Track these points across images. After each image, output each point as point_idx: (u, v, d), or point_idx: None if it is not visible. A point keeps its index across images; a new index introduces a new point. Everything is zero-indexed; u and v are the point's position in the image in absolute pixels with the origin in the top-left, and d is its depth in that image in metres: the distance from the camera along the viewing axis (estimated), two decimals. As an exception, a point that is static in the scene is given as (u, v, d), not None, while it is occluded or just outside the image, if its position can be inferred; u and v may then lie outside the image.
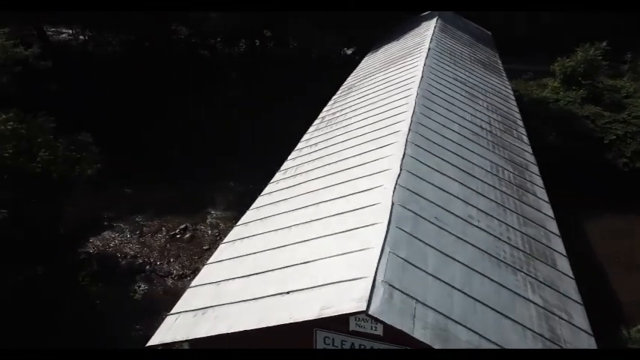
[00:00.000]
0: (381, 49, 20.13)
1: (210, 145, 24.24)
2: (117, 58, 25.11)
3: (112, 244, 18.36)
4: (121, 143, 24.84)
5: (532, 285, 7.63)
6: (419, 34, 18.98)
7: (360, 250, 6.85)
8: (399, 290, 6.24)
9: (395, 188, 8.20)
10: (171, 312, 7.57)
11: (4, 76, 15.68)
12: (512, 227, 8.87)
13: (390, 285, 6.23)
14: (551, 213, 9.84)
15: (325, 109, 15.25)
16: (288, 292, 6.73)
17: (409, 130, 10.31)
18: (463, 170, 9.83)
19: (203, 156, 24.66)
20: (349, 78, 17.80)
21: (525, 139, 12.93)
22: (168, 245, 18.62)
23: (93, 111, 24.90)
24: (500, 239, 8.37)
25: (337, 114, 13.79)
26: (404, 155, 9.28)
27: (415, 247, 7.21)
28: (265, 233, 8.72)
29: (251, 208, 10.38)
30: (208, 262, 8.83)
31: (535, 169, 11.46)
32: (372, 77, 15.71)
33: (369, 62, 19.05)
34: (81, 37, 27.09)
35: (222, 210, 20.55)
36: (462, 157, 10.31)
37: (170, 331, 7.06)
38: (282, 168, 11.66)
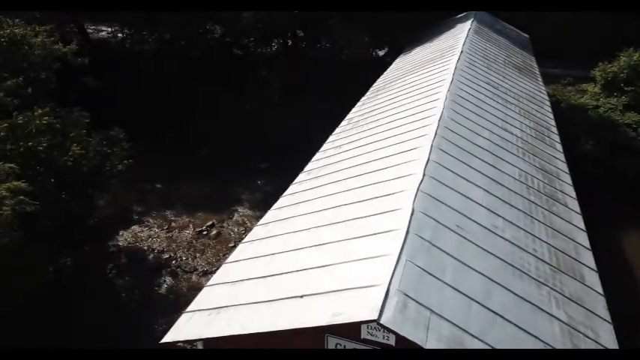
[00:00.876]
0: (413, 52, 19.83)
1: (241, 144, 24.48)
2: (153, 55, 25.62)
3: (140, 238, 18.72)
4: (154, 139, 25.41)
5: (557, 300, 7.31)
6: (452, 36, 18.59)
7: (376, 257, 6.71)
8: (414, 300, 6.07)
9: (416, 194, 8.00)
10: (187, 310, 7.62)
11: (44, 71, 16.22)
12: (539, 238, 8.53)
13: (404, 294, 6.07)
14: (582, 225, 9.41)
15: (353, 110, 15.12)
16: (301, 296, 6.65)
17: (435, 134, 10.07)
18: (490, 178, 9.53)
19: (233, 154, 24.94)
20: (379, 80, 17.60)
21: (558, 146, 12.45)
22: (194, 241, 18.87)
23: (128, 107, 25.53)
24: (525, 250, 8.06)
25: (364, 116, 13.64)
26: (428, 160, 9.07)
27: (434, 255, 7.01)
28: (284, 234, 8.68)
29: (272, 208, 10.37)
30: (226, 261, 8.86)
31: (567, 178, 11.01)
32: (402, 80, 15.47)
33: (399, 64, 18.79)
34: (119, 34, 27.84)
35: (250, 208, 20.68)
36: (490, 164, 10.00)
37: (183, 329, 7.11)
38: (306, 169, 11.60)
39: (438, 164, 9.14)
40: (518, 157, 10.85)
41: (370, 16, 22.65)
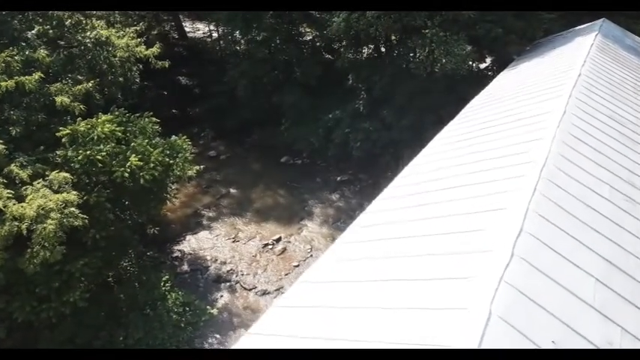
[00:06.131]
0: (519, 68, 16.63)
1: (321, 154, 22.90)
2: (244, 56, 24.82)
3: (205, 246, 17.89)
4: (237, 142, 24.68)
5: None
6: (569, 53, 15.16)
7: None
8: None
9: (498, 287, 5.58)
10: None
11: (126, 73, 15.71)
12: (678, 366, 5.72)
13: None
14: None
15: (436, 137, 12.63)
16: None
17: (534, 190, 7.39)
18: (607, 260, 6.72)
19: (312, 163, 23.46)
20: (473, 101, 14.75)
21: None
22: (258, 255, 17.64)
23: (216, 107, 25.04)
24: (655, 389, 5.35)
25: (447, 147, 11.16)
26: (520, 232, 6.48)
27: (511, 395, 4.67)
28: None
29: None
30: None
31: None
32: (498, 105, 12.60)
33: (499, 83, 15.74)
34: (214, 34, 27.50)
35: (319, 224, 19.03)
36: (608, 238, 7.14)
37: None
38: (380, 197, 9.56)
39: (534, 238, 6.52)
40: (649, 226, 7.85)
41: (473, 23, 19.71)
